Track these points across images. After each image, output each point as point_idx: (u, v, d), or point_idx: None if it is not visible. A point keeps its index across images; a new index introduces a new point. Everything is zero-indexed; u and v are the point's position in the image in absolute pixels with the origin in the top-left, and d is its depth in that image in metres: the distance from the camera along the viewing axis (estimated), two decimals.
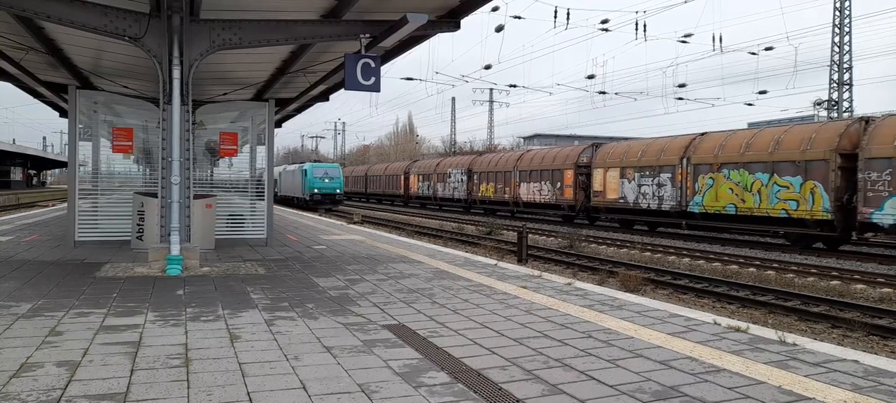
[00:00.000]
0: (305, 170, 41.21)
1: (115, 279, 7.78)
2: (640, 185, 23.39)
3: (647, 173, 23.05)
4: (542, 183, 30.04)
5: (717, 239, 20.55)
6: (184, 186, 8.81)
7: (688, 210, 21.20)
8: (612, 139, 41.10)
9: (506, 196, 33.24)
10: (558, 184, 28.73)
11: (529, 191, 31.07)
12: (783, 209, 17.84)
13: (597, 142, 29.39)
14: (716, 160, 20.21)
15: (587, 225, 26.68)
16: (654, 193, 22.70)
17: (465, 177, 38.32)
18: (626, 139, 30.16)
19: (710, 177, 20.27)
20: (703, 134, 22.22)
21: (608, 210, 25.43)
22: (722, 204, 19.83)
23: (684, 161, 21.50)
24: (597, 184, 25.77)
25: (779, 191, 18.01)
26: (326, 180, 40.31)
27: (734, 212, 19.52)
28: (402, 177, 48.31)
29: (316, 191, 39.76)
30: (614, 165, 24.86)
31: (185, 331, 5.18)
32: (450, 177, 40.53)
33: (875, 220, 15.47)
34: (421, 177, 45.38)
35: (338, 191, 41.09)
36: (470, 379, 4.03)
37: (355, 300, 6.70)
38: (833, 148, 16.68)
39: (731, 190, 19.48)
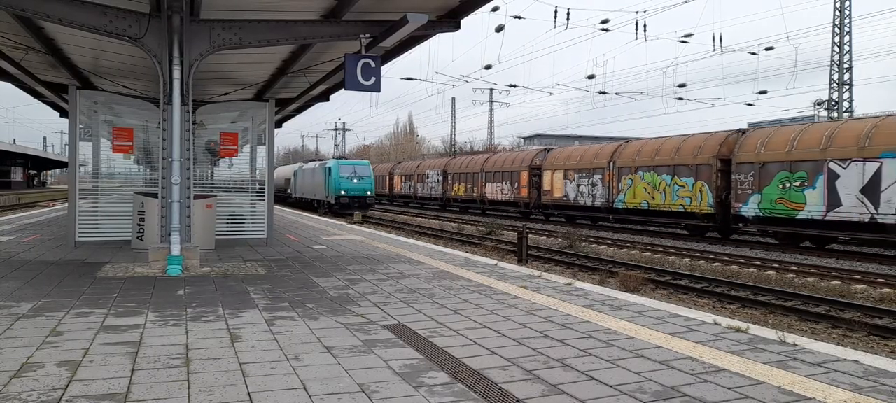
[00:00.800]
0: (329, 169, 34.92)
1: (115, 279, 7.79)
2: (578, 185, 27.30)
3: (584, 175, 26.90)
4: (504, 183, 33.71)
5: (646, 232, 23.69)
6: (184, 186, 8.81)
7: (614, 206, 24.97)
8: (611, 139, 41.24)
9: (474, 194, 36.98)
10: (516, 184, 32.42)
11: (493, 190, 34.79)
12: (681, 205, 21.68)
13: (549, 147, 33.54)
14: (634, 163, 23.91)
15: (542, 220, 29.99)
16: (589, 192, 26.63)
17: (440, 178, 41.10)
18: (626, 139, 30.65)
19: (630, 178, 24.03)
20: (627, 140, 26.29)
21: (555, 206, 29.06)
22: (638, 201, 23.57)
23: (611, 164, 25.20)
24: (546, 184, 29.55)
25: (678, 189, 21.82)
26: (355, 180, 33.94)
27: (647, 208, 23.23)
28: (388, 177, 50.80)
29: (343, 193, 33.47)
30: (559, 168, 28.67)
31: (185, 331, 5.18)
32: (428, 177, 43.12)
33: (743, 213, 19.23)
34: (404, 178, 48.05)
35: (368, 192, 34.60)
36: (470, 379, 4.04)
37: (355, 300, 6.70)
38: (715, 154, 20.39)
39: (645, 189, 23.27)
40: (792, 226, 17.90)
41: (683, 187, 21.51)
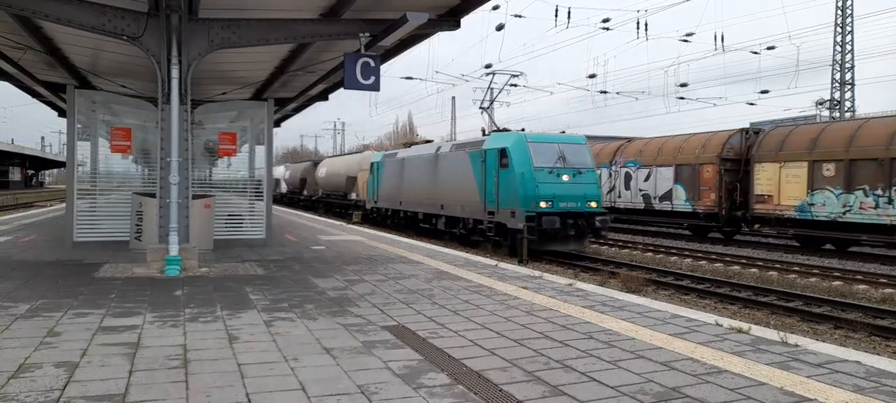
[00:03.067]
0: (504, 151, 16.51)
1: (113, 279, 7.76)
2: None
3: None
4: None
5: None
6: (182, 186, 8.78)
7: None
8: (612, 139, 41.45)
9: None
10: None
11: None
12: None
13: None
14: None
15: None
16: None
17: None
18: (627, 139, 31.62)
19: None
20: None
21: None
22: None
23: None
24: None
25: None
26: (565, 177, 16.23)
27: None
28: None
29: (546, 204, 15.71)
30: None
31: (183, 332, 5.15)
32: None
33: None
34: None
35: (595, 203, 16.53)
36: (470, 381, 4.00)
37: (355, 301, 6.67)
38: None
39: None
40: None
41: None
